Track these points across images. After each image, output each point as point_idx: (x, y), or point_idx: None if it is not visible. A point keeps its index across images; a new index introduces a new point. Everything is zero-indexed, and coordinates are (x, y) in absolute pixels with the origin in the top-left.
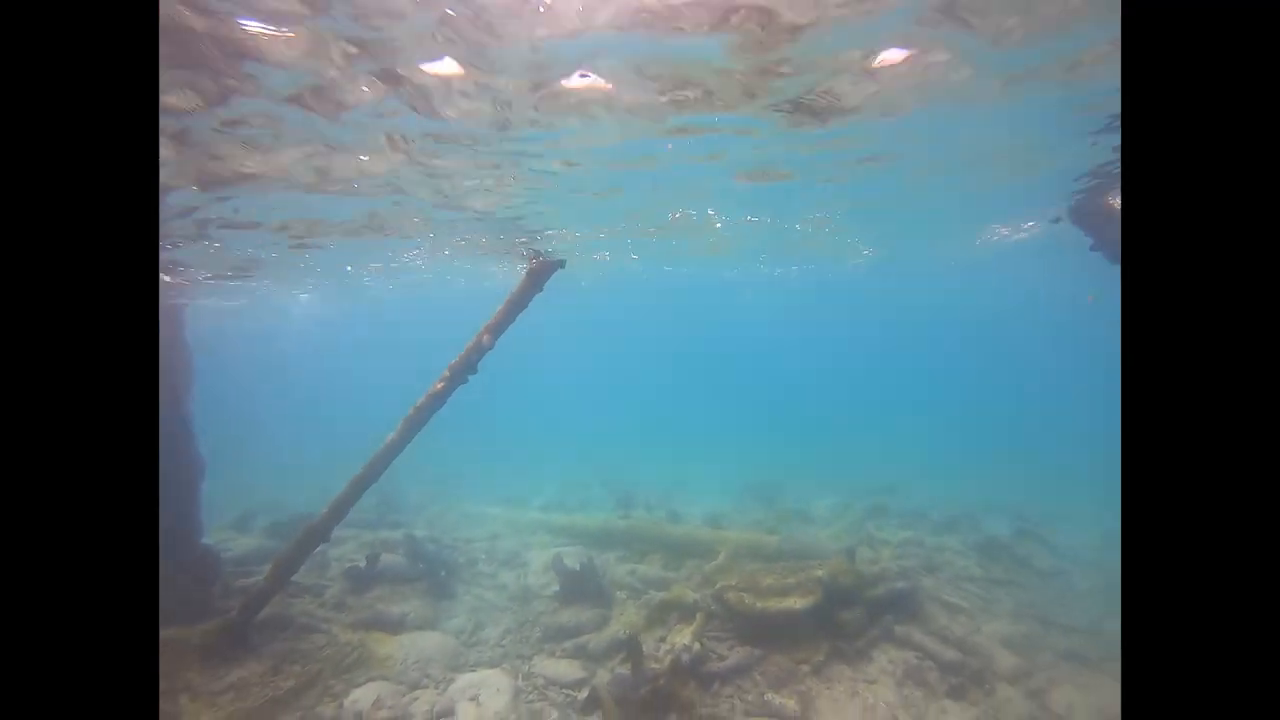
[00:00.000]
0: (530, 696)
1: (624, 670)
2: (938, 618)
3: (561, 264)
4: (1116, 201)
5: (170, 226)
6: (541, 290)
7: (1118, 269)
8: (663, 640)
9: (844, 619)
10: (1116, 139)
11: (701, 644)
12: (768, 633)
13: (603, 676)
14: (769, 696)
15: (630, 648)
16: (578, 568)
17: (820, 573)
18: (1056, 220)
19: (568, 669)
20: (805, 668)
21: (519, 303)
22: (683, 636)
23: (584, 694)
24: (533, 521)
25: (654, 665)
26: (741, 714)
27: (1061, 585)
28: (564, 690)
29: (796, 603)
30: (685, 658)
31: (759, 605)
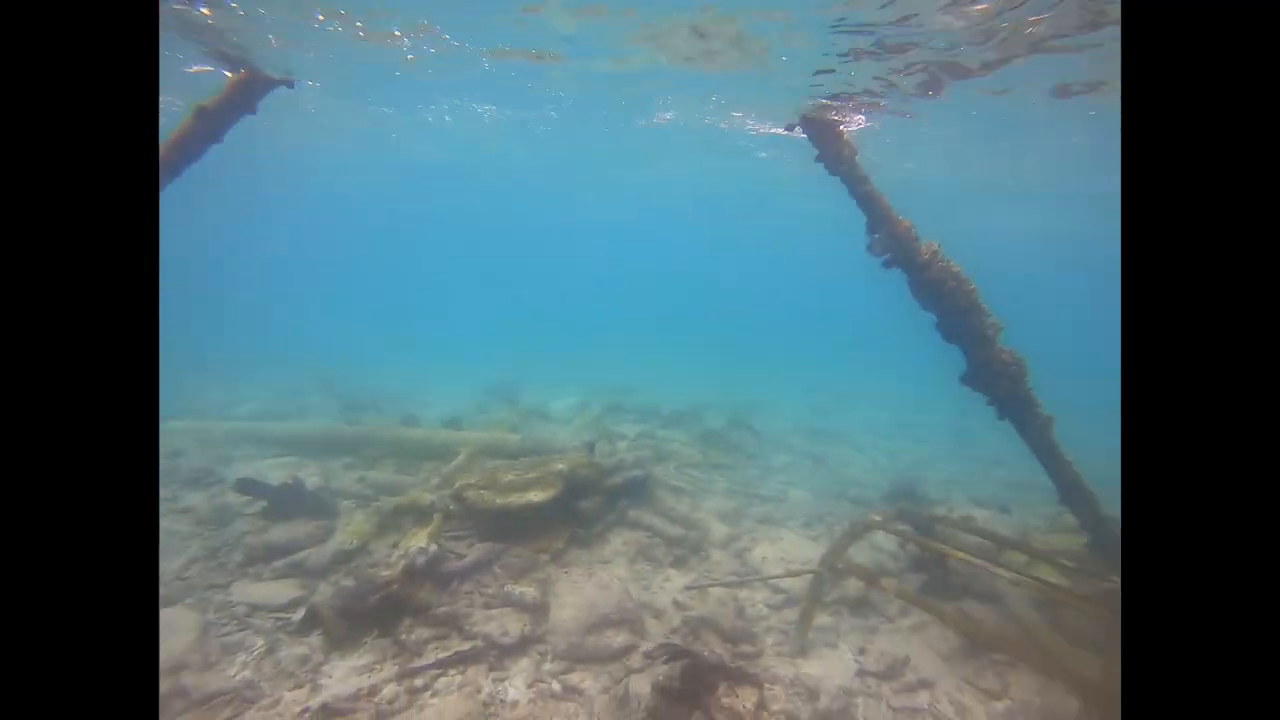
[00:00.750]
0: (228, 629)
1: (350, 582)
2: (666, 500)
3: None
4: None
5: None
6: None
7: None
8: (395, 546)
9: (583, 508)
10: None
11: (439, 544)
12: (509, 527)
13: (325, 591)
14: (509, 588)
15: (356, 555)
16: (289, 480)
17: (561, 466)
18: (791, 128)
19: (279, 590)
20: (545, 556)
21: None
22: (418, 540)
23: (300, 614)
24: (233, 432)
25: (385, 573)
26: (481, 608)
27: (762, 464)
28: (274, 615)
29: (537, 496)
30: (420, 560)
31: (499, 501)
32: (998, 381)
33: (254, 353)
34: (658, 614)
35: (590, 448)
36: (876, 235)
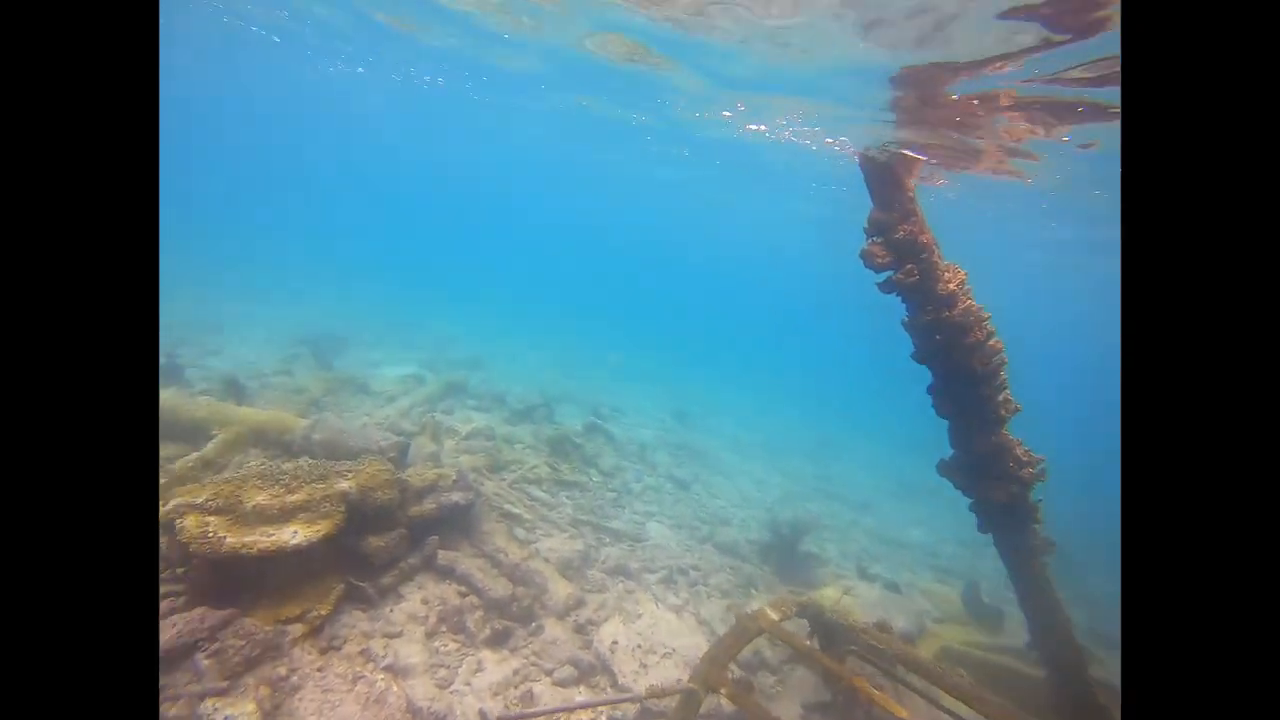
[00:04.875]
0: None
1: None
2: (495, 536)
3: None
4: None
5: None
6: None
7: None
8: None
9: (372, 548)
10: None
11: None
12: (246, 580)
13: None
14: (207, 708)
15: None
16: None
17: (346, 485)
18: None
19: None
20: (297, 629)
21: None
22: None
23: None
24: None
25: None
26: None
27: (619, 484)
28: None
29: (299, 535)
30: None
31: (231, 540)
32: (998, 485)
33: None
34: None
35: (401, 450)
36: (878, 239)
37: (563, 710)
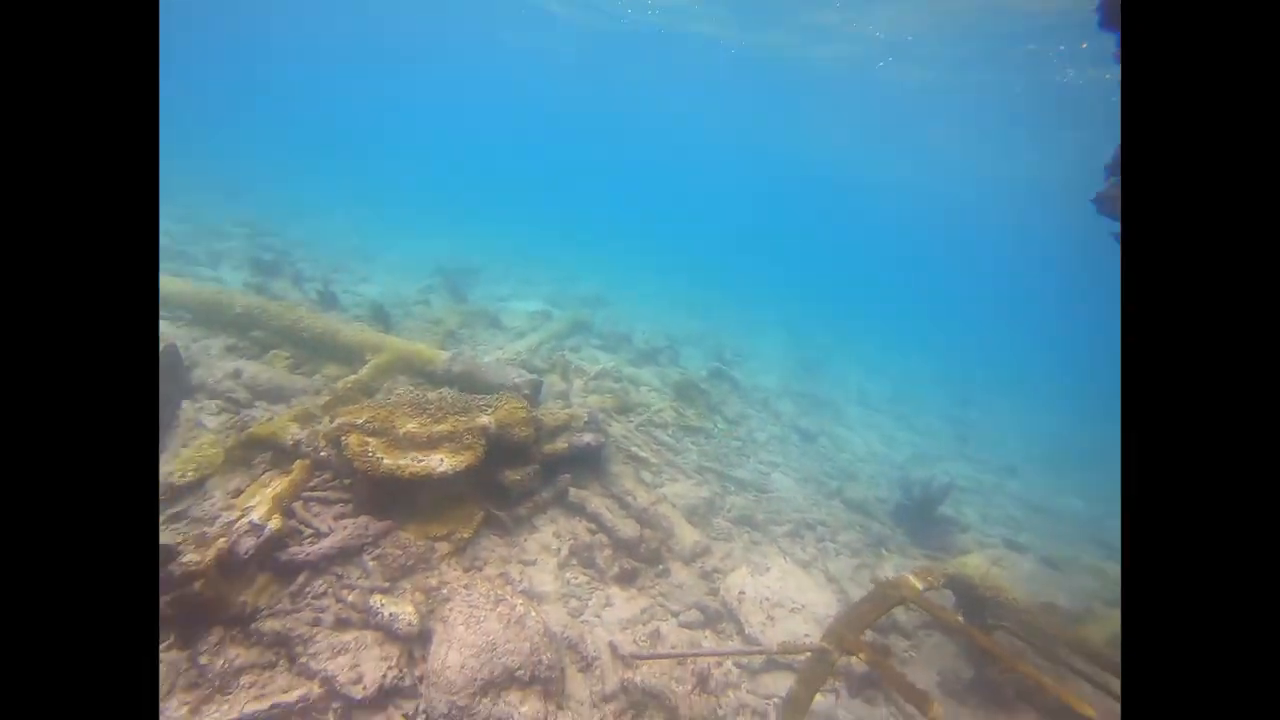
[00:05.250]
0: None
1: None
2: (623, 478)
3: None
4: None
5: None
6: None
7: None
8: (235, 497)
9: (509, 480)
10: None
11: (293, 513)
12: (400, 498)
13: None
14: (378, 602)
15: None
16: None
17: (486, 419)
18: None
19: None
20: (445, 547)
21: None
22: (262, 501)
23: None
24: None
25: (190, 557)
26: (332, 626)
27: (744, 433)
28: None
29: (445, 463)
30: (247, 545)
31: (387, 461)
32: None
33: (200, 171)
34: (587, 665)
35: (535, 388)
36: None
37: (691, 654)
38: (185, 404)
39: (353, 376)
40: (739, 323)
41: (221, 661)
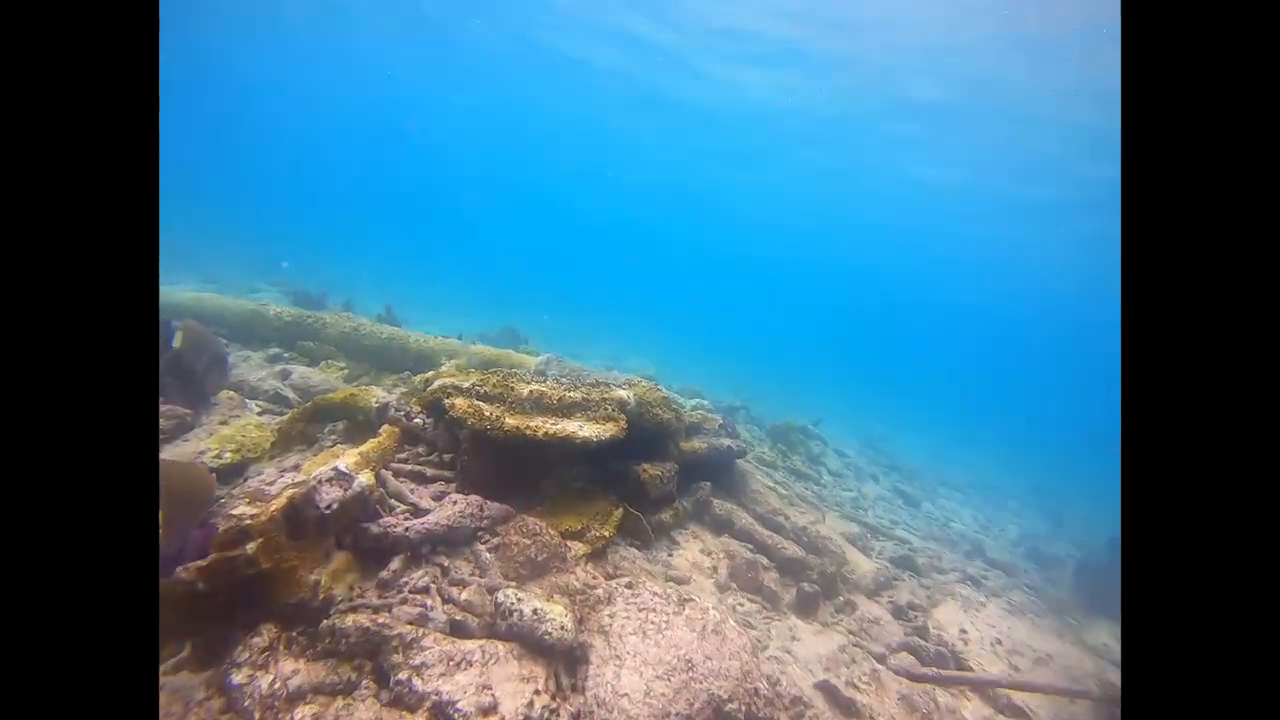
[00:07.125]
0: None
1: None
2: (767, 496)
3: None
4: None
5: None
6: None
7: None
8: (294, 471)
9: (648, 476)
10: None
11: (377, 480)
12: (520, 478)
13: None
14: (510, 597)
15: (224, 479)
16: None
17: (625, 393)
18: None
19: None
20: (578, 547)
21: None
22: (346, 458)
23: None
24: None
25: (240, 509)
26: (442, 630)
27: (854, 486)
28: None
29: (587, 428)
30: (330, 496)
31: (511, 423)
32: None
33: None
34: (799, 712)
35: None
36: None
37: (990, 683)
38: (223, 394)
39: (442, 367)
40: (794, 395)
41: (270, 681)
